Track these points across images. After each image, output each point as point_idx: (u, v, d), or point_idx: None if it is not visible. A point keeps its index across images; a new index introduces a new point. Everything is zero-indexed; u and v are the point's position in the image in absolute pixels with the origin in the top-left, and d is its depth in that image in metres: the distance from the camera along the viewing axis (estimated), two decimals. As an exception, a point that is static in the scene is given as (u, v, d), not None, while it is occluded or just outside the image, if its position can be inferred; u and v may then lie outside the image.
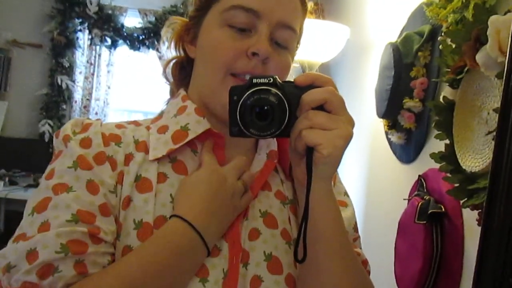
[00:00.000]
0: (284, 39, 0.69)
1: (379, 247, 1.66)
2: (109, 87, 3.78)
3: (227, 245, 0.63)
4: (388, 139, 1.73)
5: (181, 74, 0.79)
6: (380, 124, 1.78)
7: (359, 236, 0.77)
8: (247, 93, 0.55)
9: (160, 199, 0.63)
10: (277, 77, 0.57)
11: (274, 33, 0.67)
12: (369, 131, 1.97)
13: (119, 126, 0.70)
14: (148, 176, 0.64)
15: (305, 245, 0.58)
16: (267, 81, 0.56)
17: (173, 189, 0.64)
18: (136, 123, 0.72)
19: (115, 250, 0.60)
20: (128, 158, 0.65)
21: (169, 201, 0.64)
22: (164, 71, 0.80)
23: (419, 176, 1.41)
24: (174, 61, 0.79)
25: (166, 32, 0.78)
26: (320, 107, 0.56)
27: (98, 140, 0.64)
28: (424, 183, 1.37)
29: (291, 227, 0.69)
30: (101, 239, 0.58)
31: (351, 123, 0.58)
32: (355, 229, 0.75)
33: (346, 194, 0.78)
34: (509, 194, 0.46)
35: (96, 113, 3.76)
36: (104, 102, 3.77)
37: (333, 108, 0.56)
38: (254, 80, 0.56)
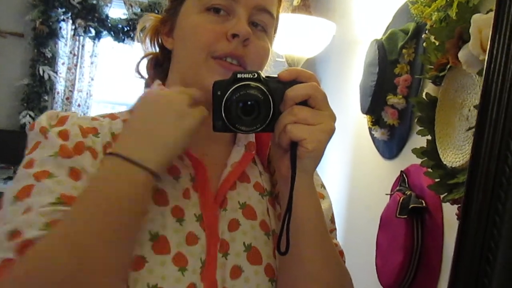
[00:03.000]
0: (263, 23, 0.70)
1: (361, 241, 1.68)
2: (92, 79, 3.72)
3: (205, 234, 0.64)
4: (372, 135, 1.75)
5: (156, 70, 0.78)
6: (364, 120, 1.80)
7: (335, 228, 0.78)
8: (232, 88, 0.55)
9: None
10: (261, 72, 0.58)
11: (253, 17, 0.68)
12: (353, 127, 1.99)
13: (94, 119, 0.70)
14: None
15: (288, 238, 0.58)
16: (251, 76, 0.56)
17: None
18: (112, 116, 0.72)
19: None
20: (106, 148, 0.65)
21: None
22: (137, 67, 0.79)
23: (401, 171, 1.43)
24: (148, 57, 0.79)
25: (140, 30, 0.77)
26: (304, 102, 0.57)
27: (76, 131, 0.64)
28: (406, 178, 1.39)
29: (269, 219, 0.70)
30: None
31: (333, 118, 0.59)
32: (332, 220, 0.77)
33: (323, 186, 0.80)
34: (486, 187, 0.48)
35: (79, 105, 3.71)
36: (87, 93, 3.72)
37: (317, 104, 0.58)
38: (238, 75, 0.56)
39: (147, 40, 0.76)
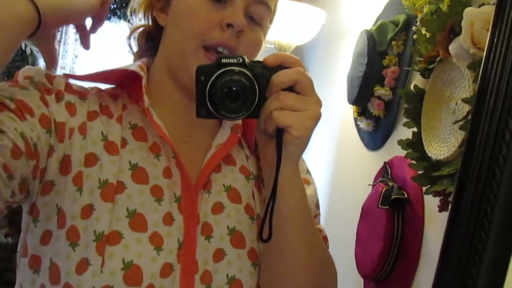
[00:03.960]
0: (259, 15, 0.69)
1: (341, 230, 1.69)
2: (76, 56, 3.65)
3: (182, 216, 0.64)
4: (357, 126, 1.76)
5: (147, 43, 0.77)
6: (349, 111, 1.80)
7: (319, 213, 0.79)
8: (216, 73, 0.54)
9: (119, 165, 0.63)
10: (245, 57, 0.56)
11: (249, 8, 0.67)
12: (338, 117, 1.99)
13: (83, 87, 0.70)
14: (113, 139, 0.64)
15: (270, 225, 0.58)
16: (236, 61, 0.55)
17: (132, 155, 0.65)
18: (98, 89, 0.72)
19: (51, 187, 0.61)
20: (91, 115, 0.64)
21: (127, 167, 0.64)
22: (129, 38, 0.78)
23: (384, 163, 1.44)
24: (140, 29, 0.77)
25: (134, 1, 0.76)
26: (290, 88, 0.56)
27: (61, 85, 0.64)
28: (389, 170, 1.40)
29: (254, 202, 0.70)
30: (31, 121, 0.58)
31: (319, 104, 0.59)
32: (317, 206, 0.78)
33: (308, 172, 0.80)
34: (479, 176, 0.48)
35: (61, 82, 3.65)
36: (70, 71, 3.65)
37: (303, 89, 0.57)
38: (223, 60, 0.55)
39: (141, 12, 0.75)
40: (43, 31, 0.58)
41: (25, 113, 0.58)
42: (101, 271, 0.57)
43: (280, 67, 0.57)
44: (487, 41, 0.53)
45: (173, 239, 0.62)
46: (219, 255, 0.64)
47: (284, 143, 0.57)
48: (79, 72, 3.69)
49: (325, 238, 0.76)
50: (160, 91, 0.70)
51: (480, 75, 0.52)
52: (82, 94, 0.67)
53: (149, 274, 0.59)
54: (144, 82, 0.67)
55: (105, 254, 0.58)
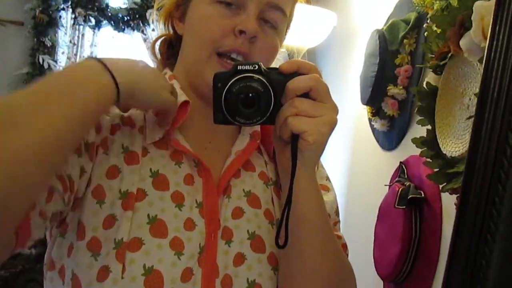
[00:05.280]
0: (274, 20, 0.68)
1: (359, 232, 1.67)
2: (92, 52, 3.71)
3: (204, 221, 0.64)
4: (371, 126, 1.74)
5: (169, 52, 0.78)
6: (363, 111, 1.79)
7: (339, 221, 0.78)
8: (232, 80, 0.54)
9: (142, 171, 0.64)
10: (261, 63, 0.57)
11: (263, 13, 0.67)
12: (352, 118, 1.98)
13: None
14: (134, 149, 0.65)
15: (286, 232, 0.58)
16: (252, 68, 0.55)
17: (153, 163, 0.65)
18: None
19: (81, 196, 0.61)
20: (114, 128, 0.66)
21: (148, 175, 0.65)
22: (153, 48, 0.80)
23: (400, 162, 1.42)
24: (162, 38, 0.79)
25: (154, 12, 0.78)
26: (305, 95, 0.56)
27: None
28: (405, 169, 1.39)
29: (274, 208, 0.70)
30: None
31: (335, 110, 0.58)
32: (337, 213, 0.77)
33: (328, 179, 0.80)
34: (486, 167, 0.47)
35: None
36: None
37: (318, 96, 0.56)
38: (239, 67, 0.55)
39: (161, 22, 0.76)
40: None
41: None
42: (122, 277, 0.57)
43: (295, 73, 0.57)
44: (488, 35, 0.52)
45: (194, 244, 0.62)
46: (239, 259, 0.64)
47: (300, 149, 0.56)
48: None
49: (344, 246, 0.75)
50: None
51: (483, 71, 0.51)
52: None
53: (170, 279, 0.59)
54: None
55: (126, 260, 0.58)
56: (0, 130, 0.43)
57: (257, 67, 0.55)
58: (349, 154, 2.01)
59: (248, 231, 0.66)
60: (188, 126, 0.69)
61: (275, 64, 0.68)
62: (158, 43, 0.80)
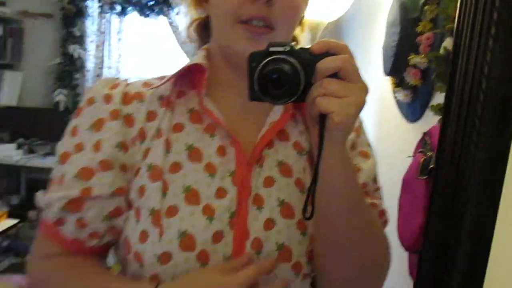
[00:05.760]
0: None
1: (385, 203, 1.66)
2: (120, 55, 3.78)
3: (236, 188, 0.69)
4: (395, 97, 1.71)
5: (204, 34, 0.82)
6: (387, 83, 1.76)
7: (379, 187, 0.79)
8: (264, 61, 0.57)
9: (176, 147, 0.71)
10: (293, 45, 0.58)
11: None
12: (376, 90, 1.94)
13: (146, 84, 0.76)
14: (163, 127, 0.72)
15: (313, 205, 0.61)
16: (283, 49, 0.57)
17: (189, 138, 0.72)
18: (162, 78, 0.77)
19: (129, 188, 0.71)
20: (151, 116, 0.72)
21: (184, 149, 0.71)
22: (189, 33, 0.83)
23: (423, 133, 1.39)
24: (196, 22, 0.82)
25: None
26: (335, 75, 0.56)
27: (117, 99, 0.72)
28: (427, 140, 1.36)
29: (305, 176, 0.73)
30: (94, 197, 0.68)
31: (364, 90, 0.58)
32: (375, 180, 0.79)
33: (369, 145, 0.82)
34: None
35: (109, 82, 3.79)
36: (116, 70, 3.79)
37: (347, 76, 0.56)
38: (271, 49, 0.57)
39: (192, 5, 0.79)
40: None
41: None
42: (160, 240, 0.65)
43: (326, 53, 0.57)
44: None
45: (225, 210, 0.67)
46: (269, 224, 0.68)
47: (327, 128, 0.57)
48: (124, 70, 3.82)
49: (382, 212, 0.77)
50: (218, 74, 0.75)
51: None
52: (140, 96, 0.74)
53: (201, 241, 0.66)
54: (207, 74, 0.72)
55: (163, 225, 0.66)
56: None
57: (288, 48, 0.57)
58: (374, 126, 1.98)
59: (278, 198, 0.70)
60: (224, 99, 0.74)
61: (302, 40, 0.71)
62: (192, 28, 0.82)
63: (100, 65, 3.76)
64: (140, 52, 3.85)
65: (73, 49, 3.68)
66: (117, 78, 0.78)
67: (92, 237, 0.70)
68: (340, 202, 0.64)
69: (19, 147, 3.50)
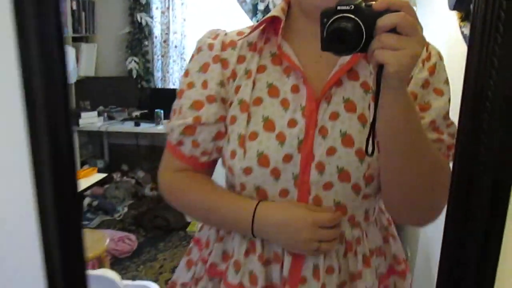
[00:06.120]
0: None
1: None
2: (184, 20, 3.87)
3: (304, 120, 0.82)
4: (462, 33, 1.60)
5: None
6: (453, 18, 1.65)
7: (450, 123, 0.83)
8: (332, 19, 0.66)
9: (259, 85, 0.85)
10: (358, 3, 0.65)
11: None
12: (441, 26, 1.83)
13: (240, 33, 0.91)
14: (251, 68, 0.86)
15: (373, 143, 0.71)
16: (349, 8, 0.65)
17: (270, 77, 0.86)
18: (252, 27, 0.90)
19: (226, 115, 0.88)
20: (241, 59, 0.88)
21: (265, 86, 0.85)
22: None
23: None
24: None
25: None
26: (393, 30, 0.62)
27: (218, 47, 0.88)
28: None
29: (369, 113, 0.82)
30: (203, 123, 0.86)
31: (420, 43, 0.63)
32: (445, 117, 0.83)
33: (446, 82, 0.84)
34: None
35: (176, 46, 3.90)
36: (181, 34, 3.89)
37: (404, 30, 0.62)
38: (339, 7, 0.66)
39: None
40: None
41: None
42: (244, 158, 0.82)
43: (386, 10, 0.64)
44: None
45: (294, 137, 0.81)
46: (331, 151, 0.80)
47: (383, 76, 0.65)
48: (189, 33, 3.91)
49: (449, 147, 0.82)
50: (296, 23, 0.87)
51: None
52: (233, 43, 0.89)
53: (274, 160, 0.81)
54: (282, 24, 0.85)
55: (246, 147, 0.82)
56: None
57: (353, 7, 0.65)
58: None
59: (340, 130, 0.81)
60: (300, 44, 0.85)
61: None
62: None
63: (166, 30, 3.88)
64: (203, 14, 3.90)
65: (141, 17, 3.82)
66: (218, 29, 0.93)
67: (203, 154, 0.88)
68: (398, 139, 0.72)
69: (99, 114, 3.77)
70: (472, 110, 0.53)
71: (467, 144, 0.61)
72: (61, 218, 0.56)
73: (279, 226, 0.81)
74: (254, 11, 3.56)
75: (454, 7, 1.52)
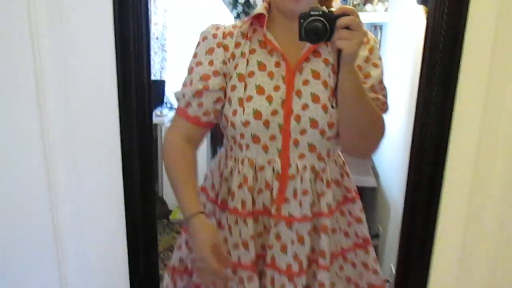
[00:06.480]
0: None
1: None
2: (166, 11, 3.90)
3: (285, 85, 1.15)
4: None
5: None
6: (421, 12, 1.75)
7: (384, 87, 1.20)
8: (308, 20, 0.97)
9: (251, 62, 1.19)
10: (323, 10, 0.96)
11: None
12: (410, 19, 1.93)
13: (234, 26, 1.23)
14: (244, 51, 1.19)
15: (336, 100, 1.07)
16: (319, 13, 0.97)
17: (259, 57, 1.19)
18: (243, 21, 1.24)
19: (226, 86, 1.20)
20: (237, 45, 1.20)
21: (256, 63, 1.19)
22: None
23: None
24: None
25: None
26: (347, 27, 0.95)
27: (220, 36, 1.21)
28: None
29: (329, 80, 1.17)
30: (209, 89, 1.18)
31: (363, 35, 0.97)
32: (381, 82, 1.19)
33: (380, 59, 1.20)
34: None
35: (157, 38, 3.94)
36: (163, 26, 3.92)
37: (353, 28, 0.95)
38: (312, 12, 0.97)
39: None
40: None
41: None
42: (243, 114, 1.14)
43: (343, 15, 0.95)
44: None
45: (279, 98, 1.15)
46: (304, 107, 1.14)
47: (342, 56, 0.98)
48: (170, 25, 3.95)
49: (383, 103, 1.19)
50: (276, 18, 1.19)
51: None
52: (231, 33, 1.22)
53: (265, 114, 1.14)
54: (266, 19, 1.18)
55: (245, 106, 1.14)
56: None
57: (321, 12, 0.97)
58: (411, 52, 1.97)
59: (310, 92, 1.15)
60: (280, 34, 1.19)
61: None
62: None
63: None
64: (184, 6, 3.94)
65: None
66: (218, 24, 1.24)
67: (204, 114, 1.20)
68: (350, 97, 1.05)
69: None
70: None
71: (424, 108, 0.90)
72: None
73: (193, 238, 1.13)
74: (234, 3, 3.63)
75: (422, 2, 1.63)
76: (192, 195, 1.16)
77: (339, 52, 0.98)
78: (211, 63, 1.19)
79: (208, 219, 1.15)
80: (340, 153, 1.29)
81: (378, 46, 1.20)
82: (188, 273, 1.35)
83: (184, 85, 1.21)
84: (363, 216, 1.31)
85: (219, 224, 1.25)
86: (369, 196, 3.00)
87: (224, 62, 1.19)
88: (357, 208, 1.30)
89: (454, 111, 1.21)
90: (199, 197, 1.27)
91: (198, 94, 1.18)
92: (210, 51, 1.20)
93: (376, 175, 2.92)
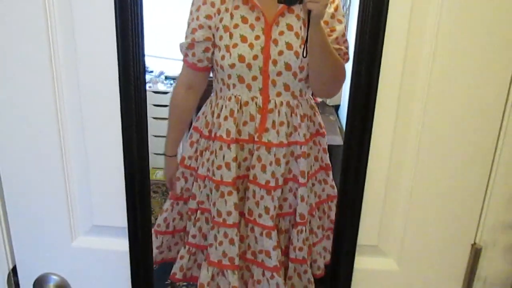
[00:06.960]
0: None
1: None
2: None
3: (264, 36, 1.39)
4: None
5: None
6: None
7: (346, 39, 1.45)
8: None
9: (236, 17, 1.40)
10: None
11: None
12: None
13: None
14: (229, 6, 1.40)
15: (306, 50, 1.34)
16: None
17: (242, 12, 1.40)
18: None
19: (214, 37, 1.43)
20: (223, 1, 1.40)
21: (239, 17, 1.40)
22: None
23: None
24: None
25: None
26: None
27: None
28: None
29: (300, 31, 1.40)
30: (197, 41, 1.44)
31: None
32: (343, 35, 1.44)
33: (343, 16, 1.45)
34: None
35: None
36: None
37: None
38: None
39: None
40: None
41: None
42: (230, 58, 1.38)
43: None
44: None
45: (259, 45, 1.38)
46: (280, 53, 1.39)
47: (311, 16, 1.25)
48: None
49: (345, 53, 1.44)
50: None
51: None
52: None
53: (248, 58, 1.38)
54: None
55: (231, 52, 1.38)
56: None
57: None
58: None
59: (285, 41, 1.39)
60: None
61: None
62: None
63: None
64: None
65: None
66: None
67: (198, 61, 1.45)
68: (318, 47, 1.33)
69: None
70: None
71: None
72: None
73: (165, 169, 1.64)
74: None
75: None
76: (175, 140, 1.60)
77: (309, 12, 1.24)
78: (197, 18, 1.42)
79: (175, 160, 1.62)
80: (312, 97, 1.56)
81: (341, 4, 1.46)
82: (183, 199, 1.61)
83: (185, 37, 1.47)
84: (326, 148, 1.64)
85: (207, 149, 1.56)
86: (337, 153, 3.28)
87: (208, 17, 1.40)
88: (324, 141, 1.60)
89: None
90: (186, 139, 1.62)
91: (190, 46, 1.44)
92: (198, 8, 1.42)
93: (342, 134, 3.20)
